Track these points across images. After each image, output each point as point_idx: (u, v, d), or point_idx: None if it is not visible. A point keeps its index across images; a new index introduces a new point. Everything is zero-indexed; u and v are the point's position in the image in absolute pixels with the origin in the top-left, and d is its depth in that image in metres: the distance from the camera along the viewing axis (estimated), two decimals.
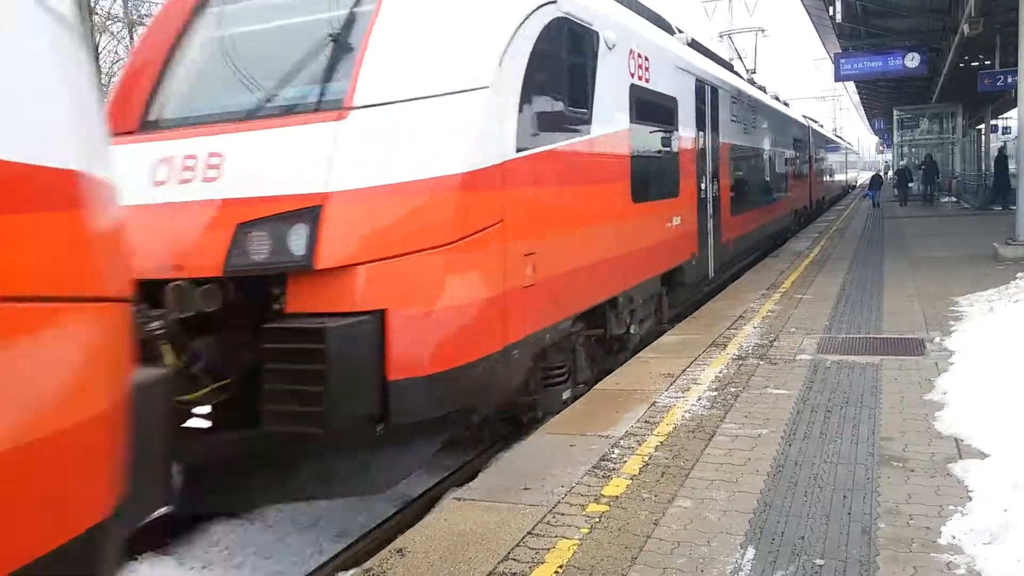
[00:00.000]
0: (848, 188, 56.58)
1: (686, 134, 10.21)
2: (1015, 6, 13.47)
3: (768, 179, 17.80)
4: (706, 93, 11.35)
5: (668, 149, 9.54)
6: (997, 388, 5.60)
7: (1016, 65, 14.05)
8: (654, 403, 6.24)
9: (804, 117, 28.68)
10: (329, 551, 4.94)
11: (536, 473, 4.91)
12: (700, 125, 10.98)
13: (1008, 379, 5.69)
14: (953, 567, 3.52)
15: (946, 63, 24.55)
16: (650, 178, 8.70)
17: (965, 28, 16.58)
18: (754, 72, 26.60)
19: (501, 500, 4.56)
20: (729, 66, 17.88)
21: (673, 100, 9.67)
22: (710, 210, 11.45)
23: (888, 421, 5.51)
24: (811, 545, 3.80)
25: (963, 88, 29.41)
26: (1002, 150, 27.12)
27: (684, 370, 7.19)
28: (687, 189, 10.19)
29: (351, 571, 4.18)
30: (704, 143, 11.24)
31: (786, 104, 26.40)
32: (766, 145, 17.46)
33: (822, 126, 39.76)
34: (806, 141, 26.14)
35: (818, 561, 3.64)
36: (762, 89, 21.76)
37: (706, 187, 11.25)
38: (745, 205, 14.52)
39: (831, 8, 20.83)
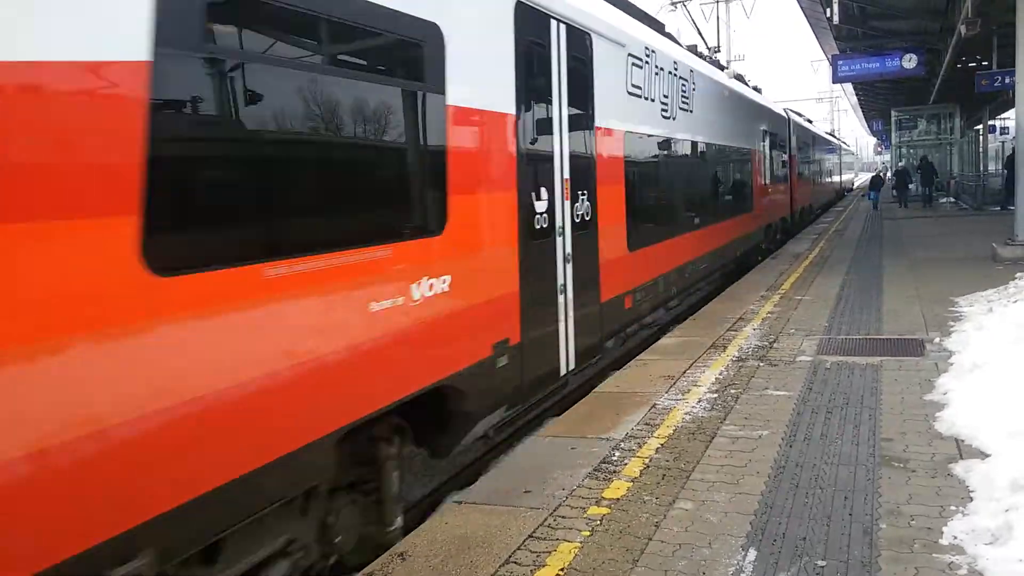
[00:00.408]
0: (844, 191, 51.81)
1: (473, 104, 5.22)
2: (1012, 7, 13.51)
3: (717, 187, 12.88)
4: (554, 38, 6.41)
5: (387, 130, 4.55)
6: (997, 388, 5.60)
7: (1013, 65, 14.07)
8: (654, 405, 6.24)
9: (785, 110, 23.18)
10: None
11: (537, 476, 4.91)
12: (530, 91, 6.01)
13: (1008, 379, 5.69)
14: (955, 567, 3.51)
15: (943, 64, 24.58)
16: (277, 199, 3.75)
17: (962, 29, 16.62)
18: (717, 50, 20.29)
19: (502, 503, 4.56)
20: (659, 26, 11.43)
21: (419, 27, 4.69)
22: (567, 250, 6.54)
23: (888, 422, 5.51)
24: (812, 546, 3.79)
25: (961, 89, 29.47)
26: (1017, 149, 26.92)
27: (684, 372, 7.19)
28: (475, 215, 5.26)
29: (352, 575, 4.18)
30: (551, 127, 6.41)
31: (757, 90, 20.82)
32: (713, 138, 12.45)
33: (810, 121, 34.99)
34: (785, 137, 21.16)
35: (820, 562, 3.64)
36: (717, 65, 16.76)
37: (555, 208, 6.33)
38: (665, 230, 9.68)
39: (828, 10, 20.87)
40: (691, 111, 10.97)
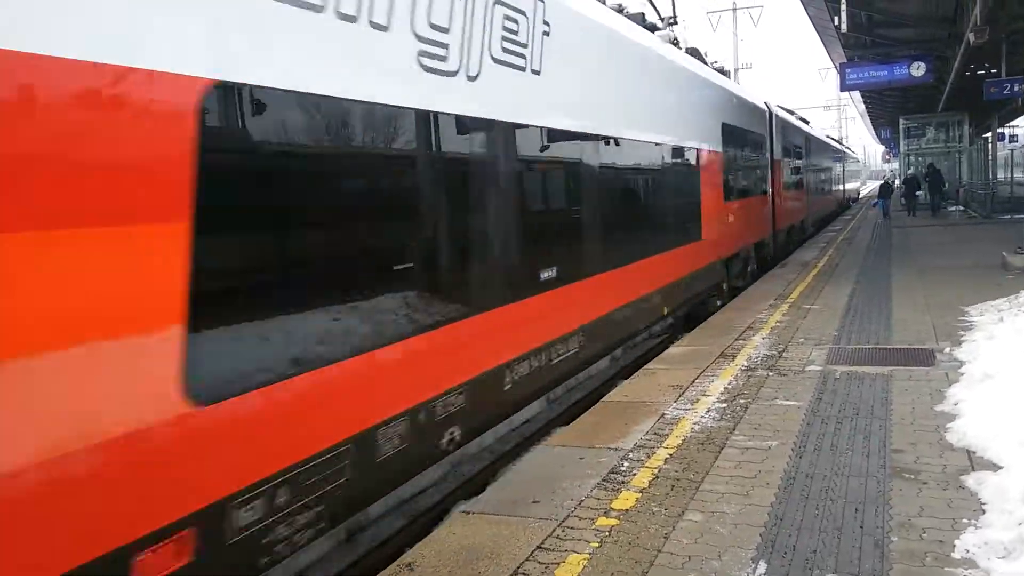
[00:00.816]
0: (848, 202, 47.01)
1: None
2: (1021, 15, 13.47)
3: (612, 209, 7.79)
4: None
5: None
6: (1009, 398, 5.56)
7: (1022, 73, 14.01)
8: (663, 415, 6.21)
9: (767, 103, 17.78)
10: (339, 563, 4.91)
11: (545, 486, 4.90)
12: None
13: (1020, 389, 5.65)
14: None
15: (952, 72, 24.52)
16: None
17: (971, 37, 16.57)
18: (673, 22, 11.76)
19: (510, 513, 4.54)
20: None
21: None
22: None
23: (899, 433, 5.47)
24: (823, 559, 3.76)
25: (969, 96, 29.37)
26: None
27: (693, 381, 7.17)
28: None
29: None
30: None
31: (724, 73, 15.76)
32: (602, 127, 7.56)
33: (806, 121, 29.45)
34: (764, 136, 16.42)
35: None
36: (645, 26, 10.14)
37: None
38: (428, 310, 4.90)
39: (836, 18, 20.86)
40: (535, 72, 6.14)
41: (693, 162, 10.72)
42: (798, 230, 21.91)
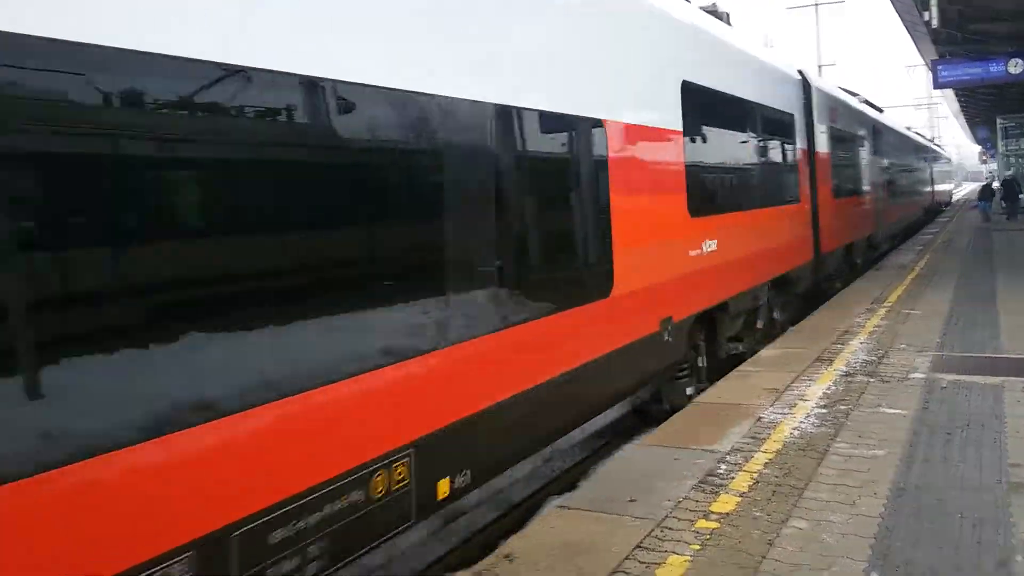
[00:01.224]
0: (939, 206, 40.89)
1: None
2: None
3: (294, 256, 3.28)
4: None
5: None
6: None
7: None
8: (759, 418, 6.06)
9: (802, 71, 12.04)
10: (436, 551, 4.98)
11: (640, 485, 4.84)
12: None
13: None
14: None
15: None
16: None
17: None
18: None
19: (606, 511, 4.50)
20: None
21: None
22: None
23: (1016, 446, 5.19)
24: None
25: None
26: None
27: (789, 385, 6.97)
28: None
29: (459, 572, 4.20)
30: None
31: (716, 16, 9.44)
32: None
33: (879, 109, 23.73)
34: (792, 118, 10.96)
35: None
36: None
37: None
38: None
39: (926, 14, 19.97)
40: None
41: (589, 146, 5.60)
42: (861, 248, 16.08)
